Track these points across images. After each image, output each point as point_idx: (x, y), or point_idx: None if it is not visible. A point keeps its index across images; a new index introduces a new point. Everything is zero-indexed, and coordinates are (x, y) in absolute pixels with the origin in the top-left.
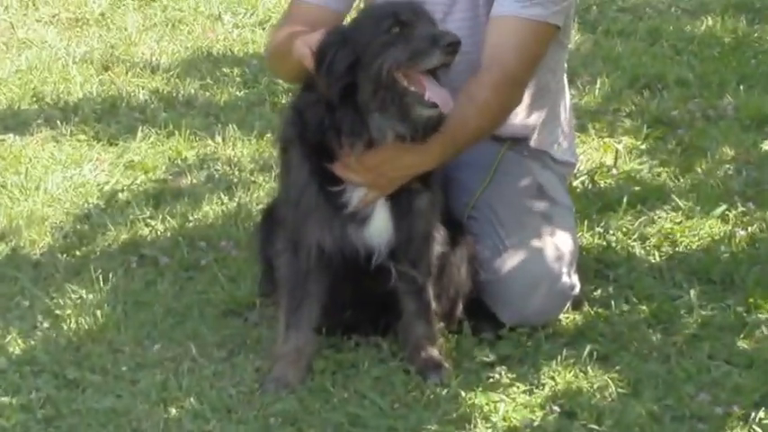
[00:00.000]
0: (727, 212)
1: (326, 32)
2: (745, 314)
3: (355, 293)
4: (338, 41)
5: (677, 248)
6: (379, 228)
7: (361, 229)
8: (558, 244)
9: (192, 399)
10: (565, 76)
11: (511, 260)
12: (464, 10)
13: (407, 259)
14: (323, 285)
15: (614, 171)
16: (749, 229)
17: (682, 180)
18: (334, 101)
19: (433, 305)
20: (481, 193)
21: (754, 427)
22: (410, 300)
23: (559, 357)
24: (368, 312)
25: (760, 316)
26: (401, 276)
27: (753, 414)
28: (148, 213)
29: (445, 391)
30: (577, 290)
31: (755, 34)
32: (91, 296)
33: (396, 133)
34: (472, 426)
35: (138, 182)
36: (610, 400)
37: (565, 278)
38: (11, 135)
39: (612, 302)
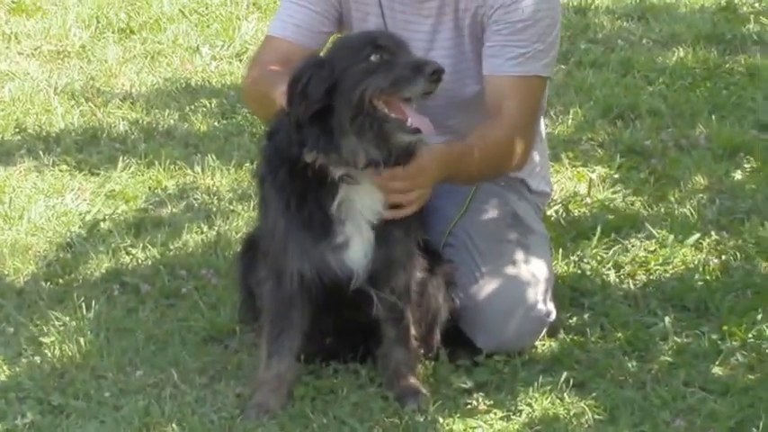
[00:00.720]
0: (700, 241)
1: (303, 59)
2: (719, 341)
3: (336, 321)
4: (314, 66)
5: (651, 276)
6: (358, 253)
7: (341, 256)
8: (534, 271)
9: (174, 424)
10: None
11: (487, 287)
12: (447, 47)
13: (388, 286)
14: (305, 314)
15: (588, 200)
16: (723, 257)
17: (655, 209)
18: (303, 121)
19: (413, 331)
20: (458, 221)
21: None
22: (390, 326)
23: (536, 384)
24: (347, 339)
25: (734, 343)
26: (382, 303)
27: None
28: (129, 242)
29: (423, 417)
30: (553, 317)
31: (726, 65)
32: (74, 323)
33: (368, 157)
34: None
35: (119, 211)
36: (586, 426)
37: (540, 305)
38: None
39: (588, 330)
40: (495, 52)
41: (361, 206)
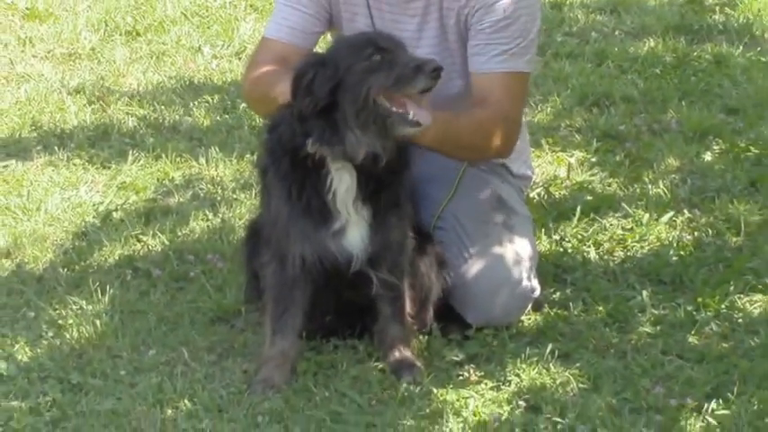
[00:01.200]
0: (674, 218)
1: (305, 57)
2: (694, 312)
3: (336, 300)
4: (317, 64)
5: (629, 253)
6: (356, 237)
7: (340, 240)
8: (518, 250)
9: (185, 400)
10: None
11: (475, 266)
12: (432, 44)
13: (385, 266)
14: (306, 294)
15: (567, 183)
16: (695, 233)
17: (630, 189)
18: (307, 115)
19: (407, 308)
20: (446, 206)
21: (706, 417)
22: (386, 304)
23: (523, 355)
24: (346, 317)
25: (708, 314)
26: (381, 283)
27: (705, 405)
28: (140, 230)
29: (418, 388)
30: (537, 292)
31: (695, 53)
32: (90, 307)
33: (368, 149)
34: (444, 420)
35: (129, 201)
36: (572, 394)
37: (525, 282)
38: (13, 161)
39: (570, 304)
40: (480, 50)
41: (355, 194)
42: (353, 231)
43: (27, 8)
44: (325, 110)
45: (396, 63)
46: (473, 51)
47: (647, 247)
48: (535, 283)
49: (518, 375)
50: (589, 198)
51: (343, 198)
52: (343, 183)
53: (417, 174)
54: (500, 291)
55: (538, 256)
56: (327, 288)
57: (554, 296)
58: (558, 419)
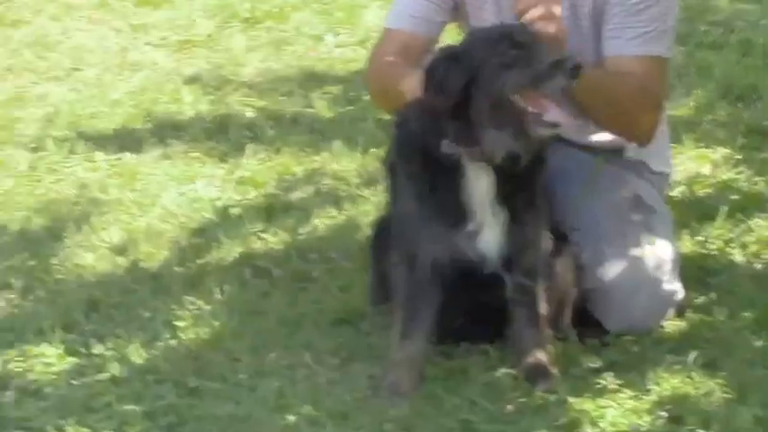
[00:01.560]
0: None
1: (437, 52)
2: None
3: (469, 304)
4: (450, 59)
5: None
6: (491, 239)
7: (474, 242)
8: (658, 252)
9: (308, 405)
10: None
11: (612, 268)
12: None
13: (520, 269)
14: (437, 297)
15: (712, 180)
16: None
17: None
18: (443, 114)
19: (543, 312)
20: (582, 204)
21: None
22: (521, 307)
23: (665, 363)
24: (479, 321)
25: None
26: (515, 285)
27: None
28: (260, 227)
29: (554, 397)
30: (680, 296)
31: None
32: (208, 307)
33: (507, 150)
34: (581, 431)
35: (249, 197)
36: (716, 405)
37: (666, 285)
38: (126, 153)
39: (714, 309)
40: (616, 34)
41: (492, 194)
42: (488, 233)
43: None
44: (458, 107)
45: (533, 59)
46: (609, 35)
47: None
48: (677, 285)
49: (659, 384)
50: (735, 197)
51: (480, 199)
52: (480, 183)
53: (551, 170)
54: (639, 294)
55: (679, 258)
56: (459, 291)
57: (697, 301)
58: (702, 431)
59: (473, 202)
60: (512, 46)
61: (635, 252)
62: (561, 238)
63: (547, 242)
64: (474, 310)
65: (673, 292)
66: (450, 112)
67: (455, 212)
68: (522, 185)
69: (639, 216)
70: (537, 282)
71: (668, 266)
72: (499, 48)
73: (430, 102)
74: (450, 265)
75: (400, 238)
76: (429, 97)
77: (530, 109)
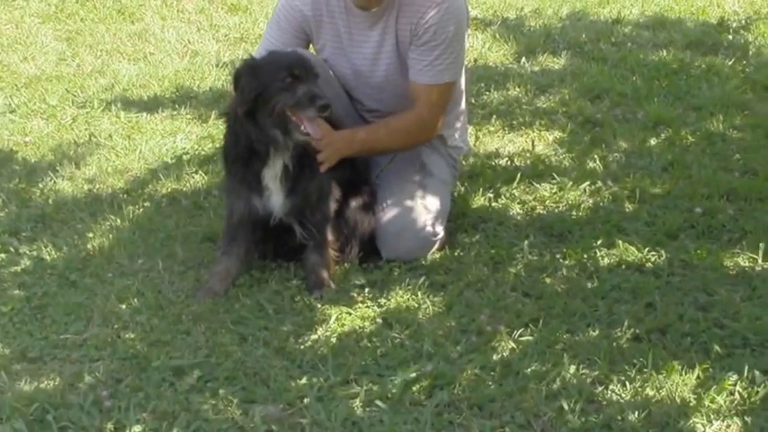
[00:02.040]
0: (590, 187)
1: (243, 61)
2: (560, 259)
3: (276, 239)
4: (249, 71)
5: (544, 211)
6: (276, 201)
7: (265, 202)
8: (427, 204)
9: (140, 299)
10: (464, 83)
11: (388, 213)
12: (389, 58)
13: (308, 220)
14: (248, 233)
15: (528, 154)
16: (596, 199)
17: (576, 162)
18: (241, 115)
19: (330, 240)
20: (385, 167)
21: (511, 341)
22: (311, 241)
23: (403, 283)
24: (287, 250)
25: (568, 261)
26: (304, 231)
27: (517, 332)
28: (194, 170)
29: (319, 304)
30: (439, 237)
31: (695, 63)
32: (118, 223)
33: (287, 147)
34: (315, 328)
35: (205, 148)
36: (423, 317)
37: (428, 228)
38: (144, 113)
39: (469, 247)
40: (413, 64)
41: (279, 173)
42: (275, 198)
43: (232, 3)
44: (251, 111)
45: (299, 90)
46: (409, 63)
47: (561, 207)
48: (438, 229)
49: (390, 299)
50: (540, 167)
51: (271, 176)
52: (273, 165)
53: None
54: (405, 233)
55: (448, 210)
56: (268, 232)
57: (465, 240)
58: (398, 335)
59: (266, 178)
60: (289, 75)
61: (407, 203)
62: (369, 190)
63: (332, 196)
64: (280, 243)
65: (434, 234)
66: (245, 114)
67: (255, 184)
68: (304, 169)
69: (419, 177)
70: (322, 228)
71: (432, 215)
72: (281, 74)
73: (235, 103)
74: (252, 216)
75: (226, 197)
76: (235, 99)
77: (293, 120)
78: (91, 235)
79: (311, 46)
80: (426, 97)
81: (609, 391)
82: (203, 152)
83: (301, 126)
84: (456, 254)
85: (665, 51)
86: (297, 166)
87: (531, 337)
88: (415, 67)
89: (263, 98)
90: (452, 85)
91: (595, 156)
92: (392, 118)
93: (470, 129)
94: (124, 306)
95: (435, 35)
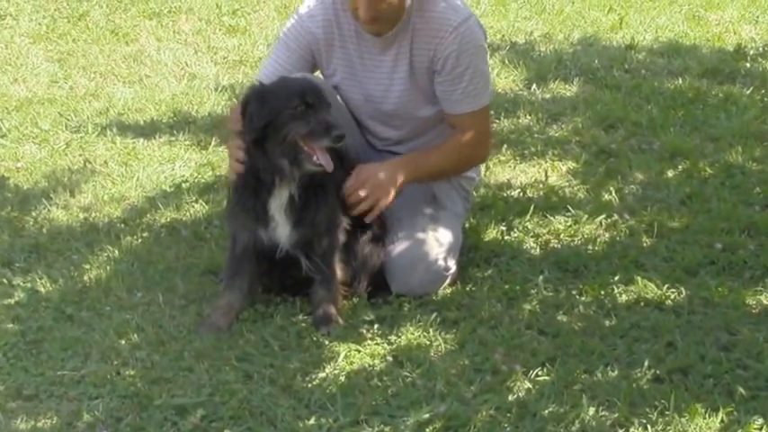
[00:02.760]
0: (606, 220)
1: (251, 87)
2: (576, 296)
3: (282, 272)
4: (258, 100)
5: (558, 245)
6: (283, 233)
7: (271, 234)
8: (438, 237)
9: (141, 333)
10: None
11: (399, 246)
12: (402, 84)
13: (315, 252)
14: (252, 266)
15: (540, 186)
16: (613, 233)
17: (592, 195)
18: (250, 144)
19: (338, 275)
20: (394, 198)
21: (527, 381)
22: (318, 275)
23: (414, 320)
24: (292, 284)
25: (585, 298)
26: (311, 264)
27: (533, 372)
28: (195, 199)
29: (327, 341)
30: (452, 271)
31: (712, 91)
32: (116, 254)
33: (294, 176)
34: (323, 365)
35: (205, 176)
36: (434, 355)
37: (440, 262)
38: (141, 139)
39: (480, 282)
40: (445, 96)
41: (286, 204)
42: (281, 230)
43: (231, 25)
44: (259, 140)
45: (312, 118)
46: (441, 96)
47: (576, 241)
48: (450, 263)
49: (400, 335)
50: (554, 200)
51: (277, 207)
52: (279, 196)
53: None
54: (417, 267)
55: (460, 244)
56: (273, 264)
57: (477, 275)
58: (409, 374)
59: (272, 209)
60: (302, 103)
61: (419, 236)
62: (380, 221)
63: (338, 234)
64: (286, 276)
65: (446, 268)
66: (254, 143)
67: (261, 215)
68: (311, 200)
69: (430, 210)
70: (330, 261)
71: (444, 248)
72: (293, 102)
73: (245, 130)
74: (257, 248)
75: (229, 227)
76: (244, 128)
77: (305, 149)
78: (87, 266)
79: (318, 72)
80: (470, 125)
81: None
82: (203, 180)
83: (314, 157)
84: (468, 289)
85: (680, 79)
86: (303, 197)
87: (547, 377)
88: (448, 99)
89: (273, 126)
90: (489, 106)
91: (611, 187)
92: (443, 143)
93: None
94: (123, 341)
95: (459, 61)
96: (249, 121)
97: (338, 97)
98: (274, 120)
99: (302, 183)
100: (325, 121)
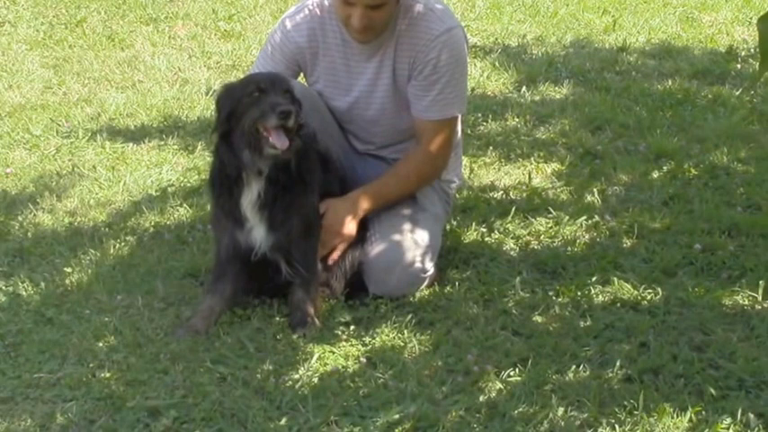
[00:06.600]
0: (586, 221)
1: (222, 85)
2: (553, 296)
3: (261, 275)
4: (224, 95)
5: (538, 246)
6: (258, 235)
7: (247, 236)
8: (417, 239)
9: (118, 336)
10: (460, 121)
11: (377, 247)
12: (385, 91)
13: (293, 255)
14: (235, 269)
15: (524, 187)
16: (593, 234)
17: (574, 196)
18: (217, 139)
19: (318, 277)
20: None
21: (499, 382)
22: (296, 277)
23: (390, 321)
24: (272, 287)
25: (562, 299)
26: (289, 266)
27: (505, 372)
28: (179, 203)
29: (303, 342)
30: (429, 273)
31: (702, 93)
32: (98, 257)
33: (257, 167)
34: (297, 367)
35: (191, 180)
36: (408, 356)
37: (418, 264)
38: (130, 144)
39: (457, 284)
40: (415, 100)
41: (257, 204)
42: (257, 231)
43: (226, 30)
44: (227, 134)
45: (264, 102)
46: (411, 99)
47: (556, 243)
48: (428, 265)
49: (374, 337)
50: (536, 201)
51: (249, 207)
52: (249, 195)
53: (366, 177)
54: (394, 268)
55: (439, 246)
56: (254, 267)
57: (456, 276)
58: (381, 375)
59: (244, 207)
60: (257, 90)
61: (397, 237)
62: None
63: (317, 236)
64: (267, 280)
65: (424, 270)
66: (221, 137)
67: (237, 216)
68: (285, 200)
69: (409, 211)
70: (309, 264)
71: (422, 251)
72: (249, 89)
73: (216, 124)
74: (236, 251)
75: (213, 232)
76: (216, 121)
77: (264, 134)
78: (69, 270)
79: (303, 79)
80: (433, 134)
81: None
82: (189, 184)
83: (270, 139)
84: (446, 290)
85: (670, 81)
86: (273, 194)
87: (519, 378)
88: (418, 103)
89: (235, 116)
90: (458, 119)
91: (594, 189)
92: (399, 164)
93: (465, 160)
94: (101, 344)
95: (436, 68)
96: (216, 115)
97: (320, 101)
98: (235, 109)
99: (270, 177)
100: (273, 101)
